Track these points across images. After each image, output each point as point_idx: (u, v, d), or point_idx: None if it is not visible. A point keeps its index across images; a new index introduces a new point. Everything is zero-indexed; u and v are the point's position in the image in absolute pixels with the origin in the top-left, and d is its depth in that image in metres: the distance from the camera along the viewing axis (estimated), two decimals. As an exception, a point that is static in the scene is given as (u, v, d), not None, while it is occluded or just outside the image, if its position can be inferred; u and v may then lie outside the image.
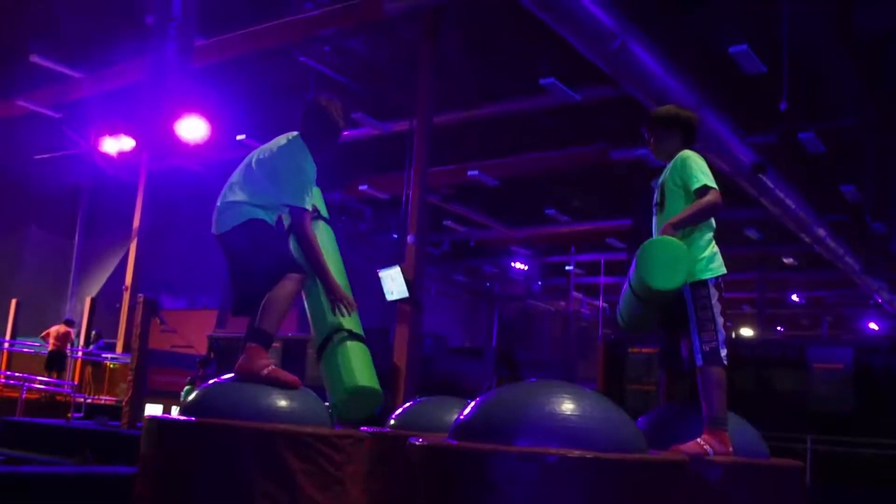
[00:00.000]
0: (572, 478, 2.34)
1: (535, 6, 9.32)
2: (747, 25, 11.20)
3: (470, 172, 17.08)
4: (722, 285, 3.49)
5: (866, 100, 13.26)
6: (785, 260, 23.22)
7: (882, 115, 13.51)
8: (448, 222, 22.10)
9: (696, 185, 3.44)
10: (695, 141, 3.73)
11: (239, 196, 3.56)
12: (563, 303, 28.07)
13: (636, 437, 2.62)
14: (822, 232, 17.33)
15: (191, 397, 3.32)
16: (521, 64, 13.23)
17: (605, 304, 26.16)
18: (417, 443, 2.66)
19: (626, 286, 3.57)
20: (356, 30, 13.00)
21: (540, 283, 27.68)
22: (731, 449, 3.22)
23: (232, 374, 3.38)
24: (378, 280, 12.56)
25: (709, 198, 3.41)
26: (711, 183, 3.45)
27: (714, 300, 3.40)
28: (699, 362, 3.35)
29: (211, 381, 3.45)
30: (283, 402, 3.21)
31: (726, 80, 12.45)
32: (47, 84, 14.98)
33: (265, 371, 3.31)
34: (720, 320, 3.41)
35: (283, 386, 3.31)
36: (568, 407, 2.51)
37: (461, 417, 2.70)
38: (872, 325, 26.29)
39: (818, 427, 9.92)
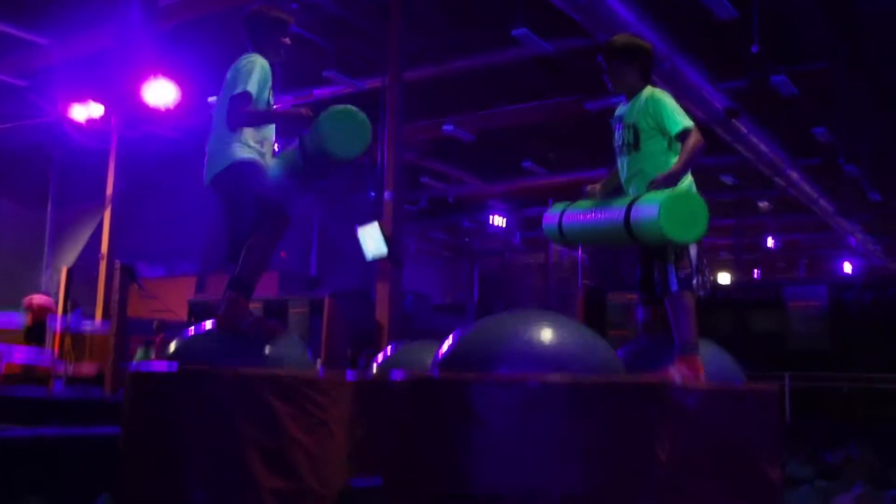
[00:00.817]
0: (552, 402, 2.38)
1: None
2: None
3: (445, 127, 16.99)
4: None
5: (836, 41, 13.29)
6: (760, 204, 23.39)
7: (852, 56, 13.56)
8: (425, 179, 22.03)
9: (677, 129, 3.45)
10: (651, 75, 3.73)
11: (217, 141, 3.53)
12: (542, 255, 28.17)
13: (614, 362, 2.67)
14: (795, 175, 17.49)
15: (171, 346, 3.31)
16: (493, 16, 13.09)
17: (583, 255, 26.29)
18: (400, 378, 2.69)
19: (600, 220, 3.57)
20: (323, -16, 12.81)
21: (519, 236, 27.74)
22: (702, 373, 3.28)
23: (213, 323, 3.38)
24: (358, 245, 12.54)
25: (693, 140, 3.42)
26: (689, 122, 3.47)
27: None
28: (673, 288, 3.39)
29: (191, 330, 3.44)
30: (265, 348, 3.22)
31: (698, 27, 12.42)
32: (12, 51, 14.67)
33: (246, 322, 3.31)
34: (694, 248, 3.45)
35: (266, 335, 3.31)
36: (546, 334, 2.54)
37: (442, 351, 2.73)
38: (847, 266, 26.64)
39: (796, 365, 10.09)
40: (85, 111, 15.00)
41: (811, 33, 13.13)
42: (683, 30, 12.09)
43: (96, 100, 14.98)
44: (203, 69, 14.21)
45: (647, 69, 3.71)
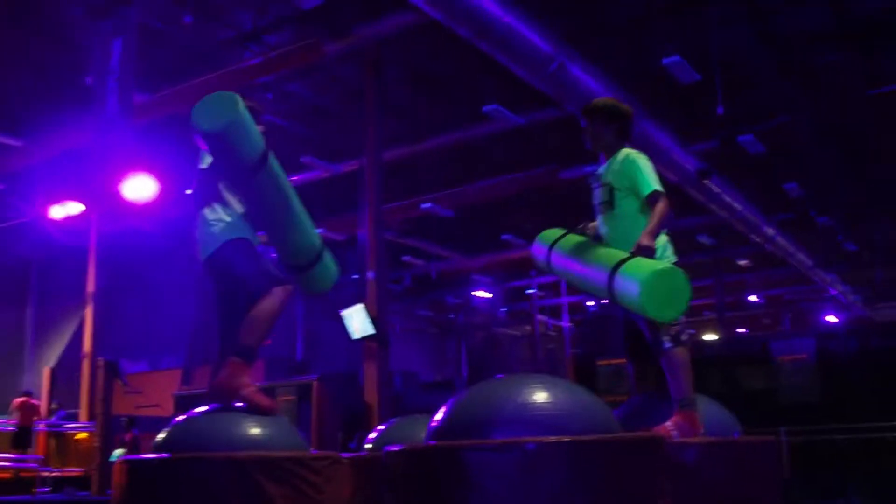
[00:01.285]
0: (551, 464, 2.36)
1: (472, 36, 9.48)
2: (677, 37, 11.52)
3: (423, 205, 17.15)
4: None
5: (797, 97, 13.66)
6: (739, 262, 23.62)
7: (814, 111, 13.93)
8: (407, 257, 22.11)
9: (647, 192, 3.55)
10: (630, 135, 3.83)
11: (211, 216, 3.53)
12: (528, 327, 28.13)
13: (610, 421, 2.66)
14: (771, 231, 17.72)
15: (160, 435, 3.26)
16: (464, 93, 13.40)
17: (569, 325, 26.30)
18: (395, 449, 2.66)
19: (586, 276, 3.63)
20: (298, 74, 13.06)
21: (504, 309, 27.74)
22: (702, 429, 3.27)
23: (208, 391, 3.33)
24: (342, 325, 12.49)
25: (661, 206, 3.52)
26: (660, 187, 3.56)
27: None
28: (666, 346, 3.42)
29: (181, 416, 3.39)
30: (256, 430, 3.17)
31: (664, 92, 12.75)
32: (-12, 155, 14.76)
33: (245, 391, 3.26)
34: None
35: (260, 410, 3.27)
36: (541, 397, 2.53)
37: (436, 420, 2.71)
38: (831, 318, 26.77)
39: (788, 419, 10.04)
40: (63, 210, 15.04)
41: (774, 91, 13.51)
42: (650, 96, 12.41)
43: (74, 198, 15.05)
44: (180, 162, 14.35)
45: (625, 130, 3.81)
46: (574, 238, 3.84)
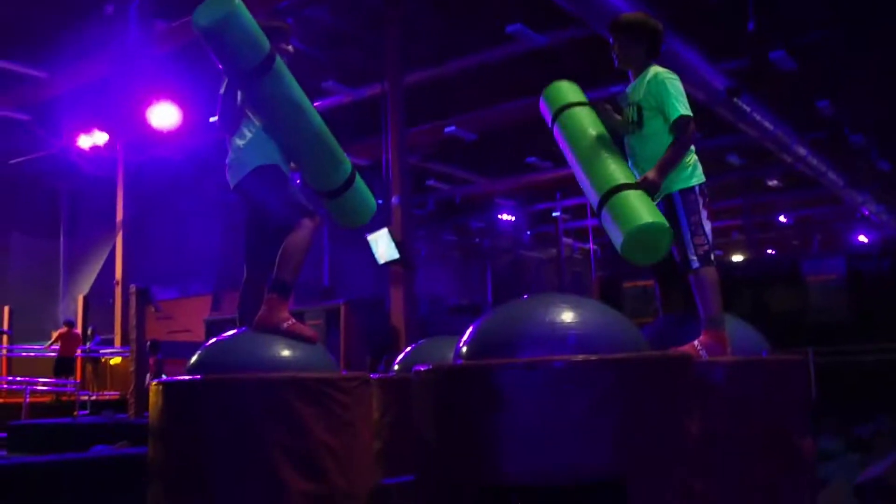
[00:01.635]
0: (579, 383, 2.36)
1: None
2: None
3: (447, 129, 17.00)
4: (706, 192, 3.54)
5: (832, 11, 13.22)
6: (769, 183, 23.28)
7: (848, 27, 13.48)
8: (431, 182, 22.04)
9: (675, 115, 3.44)
10: (659, 53, 3.70)
11: (238, 142, 3.50)
12: (553, 250, 28.12)
13: (638, 340, 2.65)
14: (802, 150, 17.39)
15: (194, 357, 3.31)
16: (487, 14, 13.11)
17: (595, 247, 26.22)
18: (423, 369, 2.68)
19: (581, 180, 3.58)
20: (318, -1, 12.85)
21: (529, 232, 27.71)
22: (728, 348, 3.27)
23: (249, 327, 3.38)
24: (368, 250, 12.54)
25: (686, 134, 3.43)
26: (688, 111, 3.46)
27: (701, 205, 3.47)
28: (695, 265, 3.40)
29: (213, 339, 3.44)
30: (287, 352, 3.21)
31: (693, 8, 12.39)
32: (14, 87, 14.79)
33: (286, 324, 3.29)
34: (708, 224, 3.48)
35: (303, 339, 3.29)
36: (569, 316, 2.53)
37: (464, 340, 2.72)
38: (862, 238, 26.47)
39: (817, 339, 10.01)
40: (90, 140, 15.13)
41: (806, 7, 13.08)
42: (678, 12, 12.05)
43: (100, 128, 15.10)
44: (203, 90, 14.28)
45: (654, 47, 3.67)
46: (580, 120, 3.65)
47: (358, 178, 3.79)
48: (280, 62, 3.44)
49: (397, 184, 12.58)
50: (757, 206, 24.79)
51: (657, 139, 3.51)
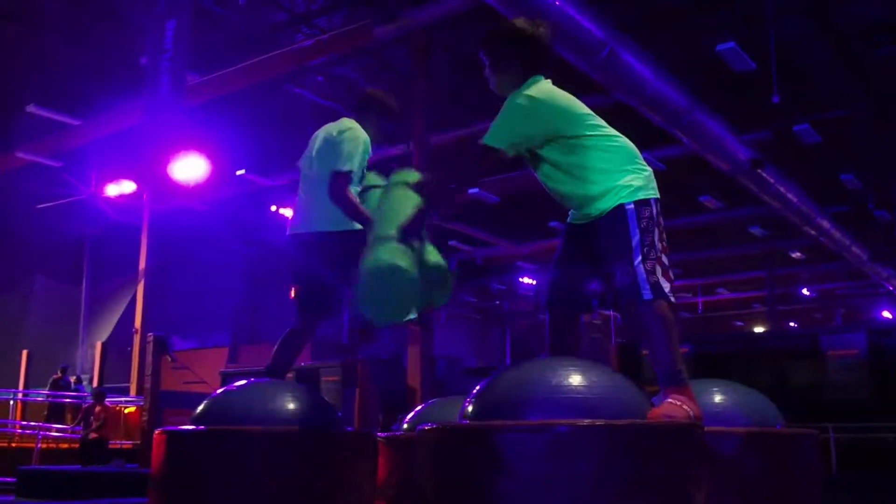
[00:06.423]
0: (583, 448, 2.33)
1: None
2: (732, 24, 11.28)
3: (470, 191, 17.11)
4: (660, 209, 2.90)
5: (856, 87, 13.31)
6: (792, 255, 23.13)
7: (871, 104, 13.54)
8: (453, 242, 22.13)
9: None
10: (545, 67, 3.09)
11: (324, 199, 3.56)
12: (573, 315, 27.95)
13: (646, 406, 2.62)
14: (825, 223, 17.30)
15: (199, 407, 3.31)
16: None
17: (615, 313, 26.05)
18: (428, 427, 2.66)
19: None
20: (347, 58, 13.11)
21: (549, 297, 27.60)
22: (698, 408, 2.71)
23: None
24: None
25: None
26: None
27: (655, 222, 2.84)
28: (647, 296, 2.71)
29: (219, 390, 3.45)
30: (291, 406, 3.21)
31: (717, 80, 12.51)
32: (45, 133, 15.11)
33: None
34: (659, 245, 2.82)
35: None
36: (576, 379, 2.51)
37: (469, 400, 2.70)
38: (886, 314, 26.13)
39: (837, 416, 9.83)
40: (117, 188, 15.38)
41: (830, 81, 13.17)
42: (703, 84, 12.18)
43: (128, 177, 15.35)
44: (230, 143, 14.55)
45: (534, 61, 3.12)
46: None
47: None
48: None
49: (419, 243, 12.63)
50: (779, 278, 24.61)
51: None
